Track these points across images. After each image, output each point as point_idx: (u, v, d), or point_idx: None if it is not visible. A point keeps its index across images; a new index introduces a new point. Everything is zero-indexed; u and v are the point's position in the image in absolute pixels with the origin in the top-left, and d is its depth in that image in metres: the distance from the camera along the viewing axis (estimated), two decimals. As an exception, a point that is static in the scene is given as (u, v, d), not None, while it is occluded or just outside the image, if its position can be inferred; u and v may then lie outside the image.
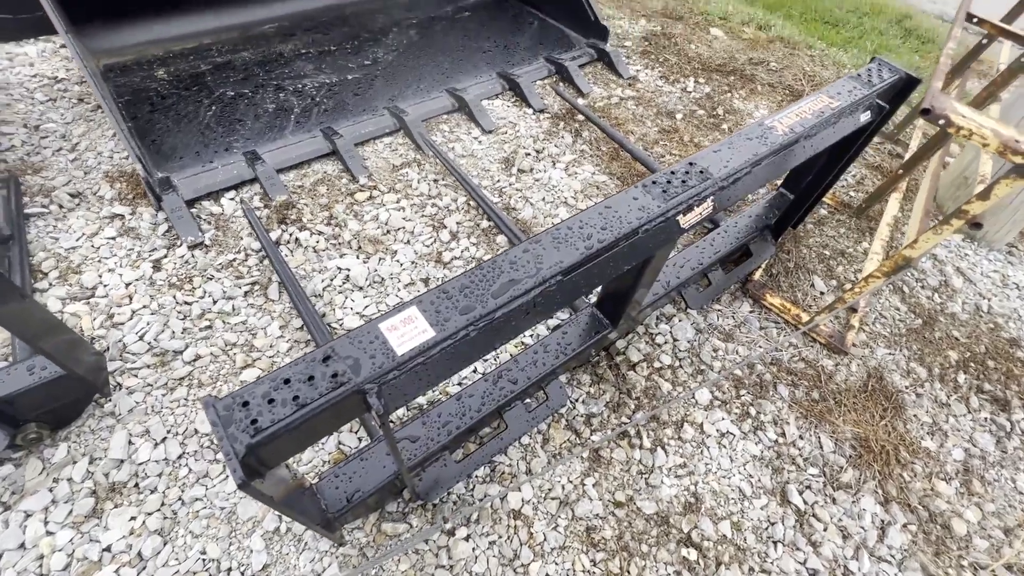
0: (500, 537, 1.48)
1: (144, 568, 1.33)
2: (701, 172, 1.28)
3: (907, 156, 2.90)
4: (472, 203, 2.33)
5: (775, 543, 1.61)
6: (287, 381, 0.83)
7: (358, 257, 2.09)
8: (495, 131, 2.73)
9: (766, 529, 1.62)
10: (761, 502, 1.67)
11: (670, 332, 2.02)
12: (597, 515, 1.56)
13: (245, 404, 0.79)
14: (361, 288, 2.00)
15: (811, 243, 2.45)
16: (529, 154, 2.60)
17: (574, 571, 1.45)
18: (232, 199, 2.24)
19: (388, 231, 2.20)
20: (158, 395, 1.64)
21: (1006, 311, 2.38)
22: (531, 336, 1.93)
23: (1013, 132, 1.29)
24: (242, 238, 2.11)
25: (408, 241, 2.17)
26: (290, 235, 2.13)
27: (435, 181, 2.42)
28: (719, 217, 2.29)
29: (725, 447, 1.76)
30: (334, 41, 3.14)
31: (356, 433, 1.63)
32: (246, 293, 1.95)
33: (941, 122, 1.35)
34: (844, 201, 2.70)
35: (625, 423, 1.77)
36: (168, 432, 1.56)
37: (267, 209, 2.22)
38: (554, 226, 1.12)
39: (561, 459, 1.66)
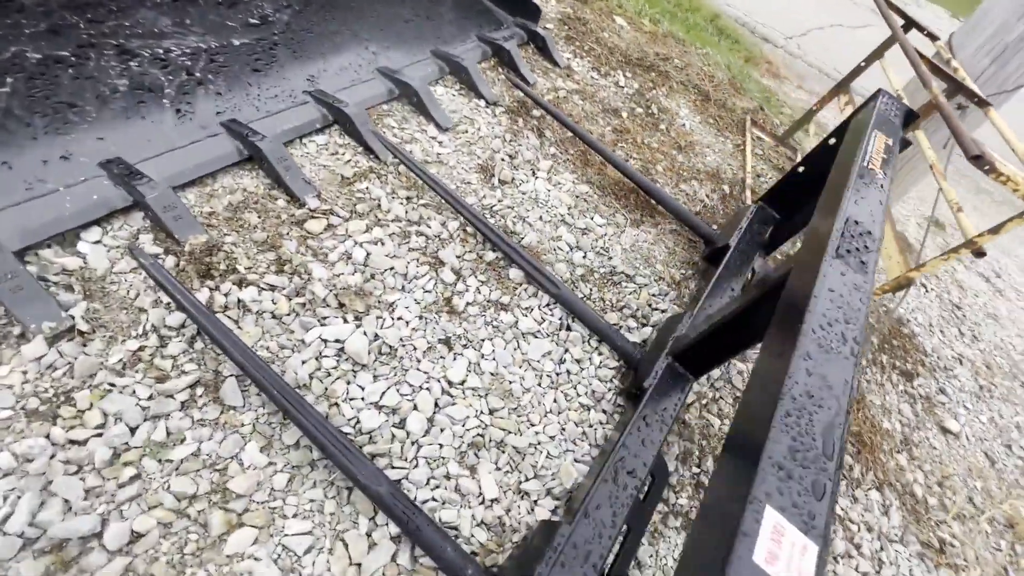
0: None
1: None
2: (862, 227, 1.16)
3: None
4: (469, 229, 1.88)
5: (835, 556, 1.71)
6: None
7: (347, 320, 1.50)
8: (453, 128, 2.24)
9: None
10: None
11: (699, 360, 1.95)
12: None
13: None
14: (366, 366, 1.44)
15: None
16: (504, 160, 2.21)
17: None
18: (101, 242, 1.39)
19: (372, 275, 1.63)
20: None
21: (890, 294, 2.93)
22: (581, 388, 1.65)
23: (1041, 180, 1.47)
24: (143, 309, 1.33)
25: (403, 288, 1.64)
26: (226, 296, 1.42)
27: (408, 200, 1.88)
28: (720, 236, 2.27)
29: (779, 474, 1.79)
30: (191, -18, 2.16)
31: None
32: (185, 404, 1.24)
33: (986, 167, 1.47)
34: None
35: (697, 472, 1.66)
36: None
37: (172, 256, 1.43)
38: (802, 324, 0.88)
39: (662, 537, 1.48)
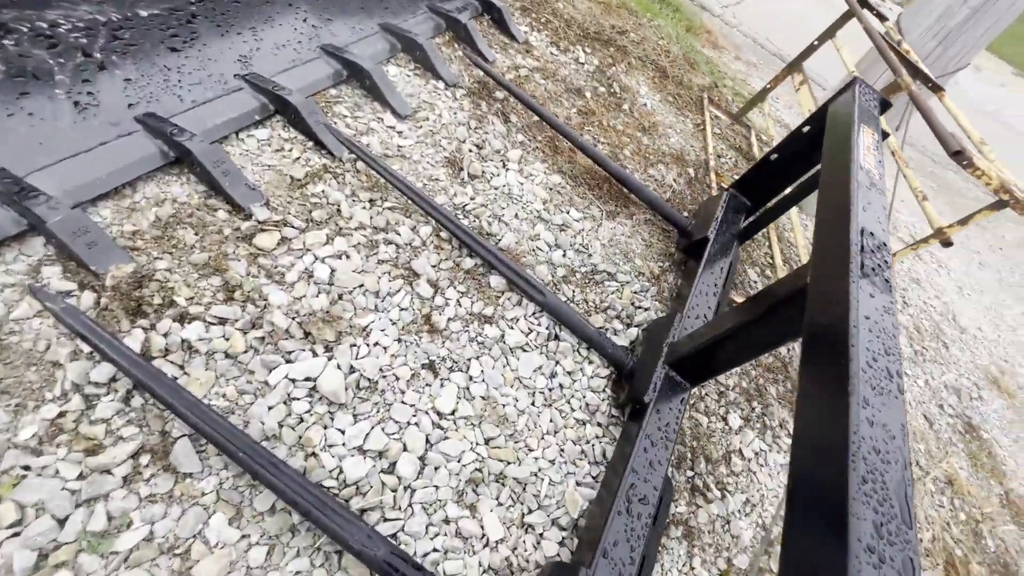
0: None
1: None
2: (877, 239, 1.12)
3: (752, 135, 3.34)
4: (443, 234, 1.70)
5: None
6: None
7: (316, 353, 1.31)
8: (412, 116, 2.02)
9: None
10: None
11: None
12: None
13: None
14: (344, 405, 1.27)
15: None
16: (472, 151, 2.02)
17: None
18: (-11, 282, 1.10)
19: (339, 296, 1.43)
20: None
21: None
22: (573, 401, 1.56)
23: (1011, 178, 1.51)
24: (58, 363, 1.07)
25: (376, 307, 1.46)
26: (165, 336, 1.18)
27: (372, 202, 1.67)
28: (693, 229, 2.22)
29: (765, 464, 1.82)
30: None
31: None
32: (127, 478, 1.02)
33: (965, 163, 1.49)
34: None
35: (692, 476, 1.64)
36: None
37: (90, 292, 1.17)
38: (850, 363, 0.82)
39: (665, 549, 1.45)
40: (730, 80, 4.79)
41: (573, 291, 1.84)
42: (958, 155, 1.47)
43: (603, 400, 1.61)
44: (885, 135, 1.72)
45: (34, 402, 1.02)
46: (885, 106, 1.79)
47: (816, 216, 1.31)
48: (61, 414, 1.03)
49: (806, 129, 1.93)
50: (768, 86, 3.24)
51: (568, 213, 2.05)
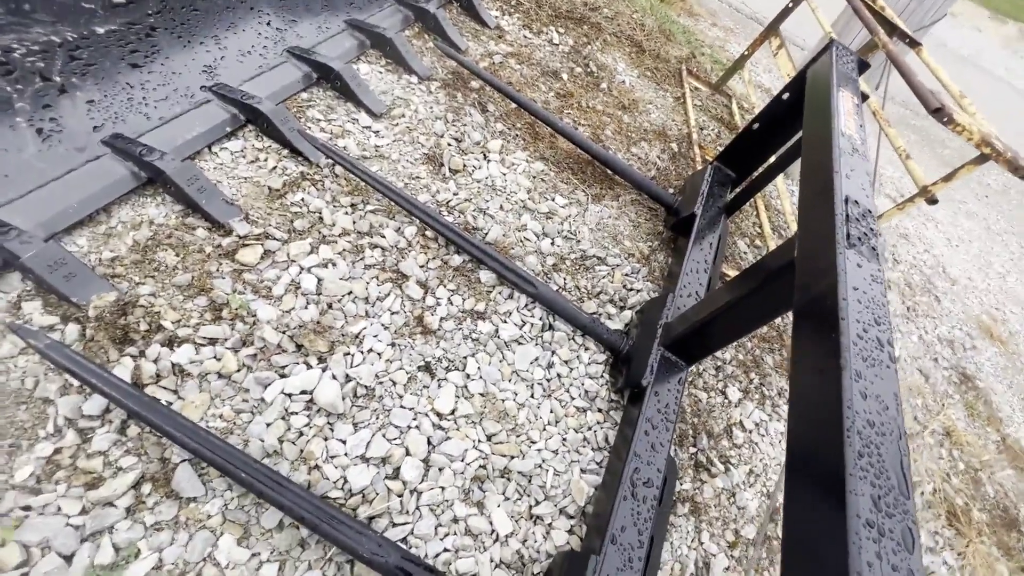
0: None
1: None
2: (861, 206, 1.11)
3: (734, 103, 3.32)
4: (428, 232, 1.68)
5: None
6: None
7: (310, 365, 1.30)
8: (388, 114, 1.98)
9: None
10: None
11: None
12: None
13: None
14: (343, 415, 1.27)
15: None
16: (451, 145, 1.99)
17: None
18: (-31, 323, 1.08)
19: (329, 305, 1.42)
20: None
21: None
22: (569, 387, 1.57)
23: (991, 130, 1.50)
24: (48, 399, 1.06)
25: (367, 313, 1.45)
26: (156, 362, 1.17)
27: (354, 207, 1.64)
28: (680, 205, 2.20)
29: (766, 434, 1.84)
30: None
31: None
32: (131, 509, 1.02)
33: (946, 119, 1.48)
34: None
35: (695, 452, 1.66)
36: None
37: (75, 324, 1.15)
38: (840, 336, 0.82)
39: (673, 527, 1.47)
40: (708, 48, 4.73)
41: (564, 279, 1.83)
42: (938, 112, 1.46)
43: (602, 386, 1.61)
44: (865, 97, 1.71)
45: (28, 441, 1.01)
46: (863, 67, 1.78)
47: (800, 186, 1.30)
48: (57, 451, 1.02)
49: (786, 96, 1.91)
50: (746, 52, 3.21)
51: (553, 200, 2.03)
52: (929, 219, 4.78)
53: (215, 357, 1.23)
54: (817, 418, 0.75)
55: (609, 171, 2.27)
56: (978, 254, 4.79)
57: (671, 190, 2.43)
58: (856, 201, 1.10)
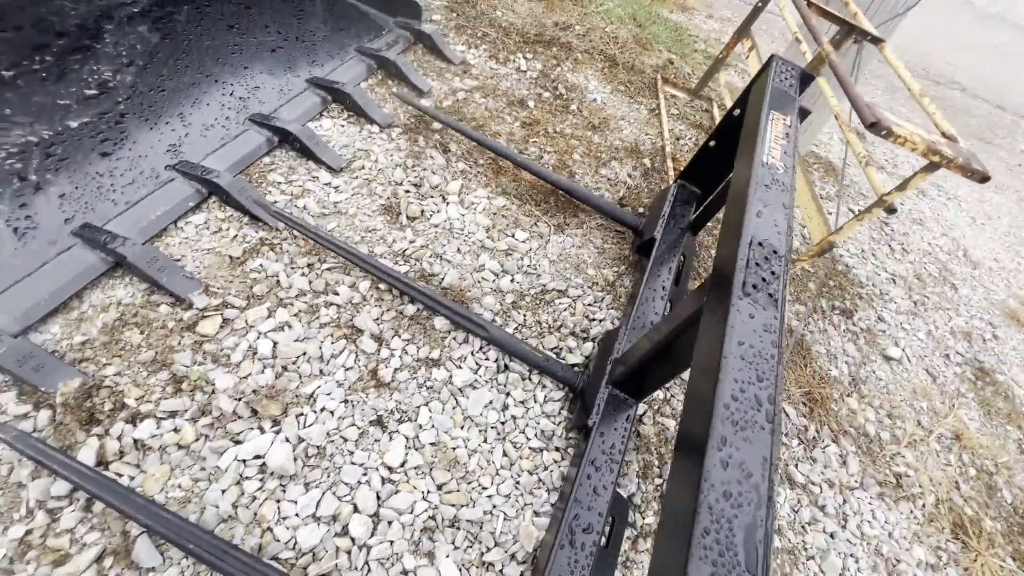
0: None
1: None
2: (767, 247, 1.11)
3: (715, 107, 3.26)
4: (382, 285, 1.75)
5: (803, 526, 1.77)
6: None
7: (263, 430, 1.38)
8: (348, 167, 2.07)
9: (794, 518, 1.76)
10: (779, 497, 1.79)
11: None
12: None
13: None
14: (294, 476, 1.34)
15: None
16: (409, 191, 2.06)
17: None
18: (-47, 418, 1.21)
19: (284, 368, 1.50)
20: None
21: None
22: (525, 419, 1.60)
23: (937, 137, 1.45)
24: (21, 484, 1.18)
25: (321, 372, 1.53)
26: (119, 439, 1.28)
27: (310, 267, 1.73)
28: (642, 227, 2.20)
29: (739, 460, 1.81)
30: (9, 55, 1.86)
31: None
32: (94, 582, 1.12)
33: (884, 132, 1.44)
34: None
35: (661, 484, 1.66)
36: None
37: (46, 409, 1.27)
38: (714, 401, 0.83)
39: (635, 564, 1.48)
40: (703, 43, 4.66)
41: (524, 315, 1.86)
42: (874, 126, 1.43)
43: (558, 424, 1.64)
44: (806, 113, 1.67)
45: (2, 524, 1.13)
46: (807, 81, 1.74)
47: (721, 223, 1.30)
48: (28, 531, 1.13)
49: (736, 112, 1.89)
50: (720, 56, 3.16)
51: (513, 236, 2.07)
52: (951, 198, 4.55)
53: (175, 429, 1.33)
54: (678, 505, 0.77)
55: (574, 199, 2.29)
56: (1007, 231, 4.52)
57: (641, 209, 2.43)
58: (761, 243, 1.10)
